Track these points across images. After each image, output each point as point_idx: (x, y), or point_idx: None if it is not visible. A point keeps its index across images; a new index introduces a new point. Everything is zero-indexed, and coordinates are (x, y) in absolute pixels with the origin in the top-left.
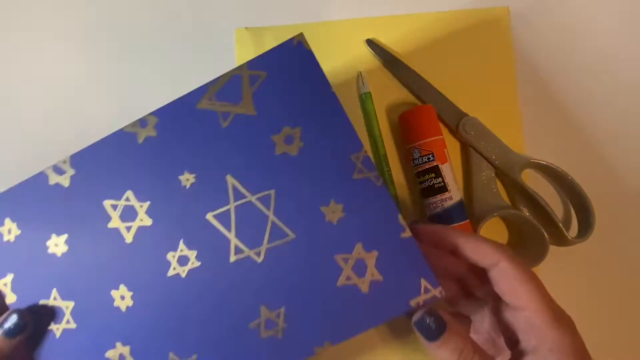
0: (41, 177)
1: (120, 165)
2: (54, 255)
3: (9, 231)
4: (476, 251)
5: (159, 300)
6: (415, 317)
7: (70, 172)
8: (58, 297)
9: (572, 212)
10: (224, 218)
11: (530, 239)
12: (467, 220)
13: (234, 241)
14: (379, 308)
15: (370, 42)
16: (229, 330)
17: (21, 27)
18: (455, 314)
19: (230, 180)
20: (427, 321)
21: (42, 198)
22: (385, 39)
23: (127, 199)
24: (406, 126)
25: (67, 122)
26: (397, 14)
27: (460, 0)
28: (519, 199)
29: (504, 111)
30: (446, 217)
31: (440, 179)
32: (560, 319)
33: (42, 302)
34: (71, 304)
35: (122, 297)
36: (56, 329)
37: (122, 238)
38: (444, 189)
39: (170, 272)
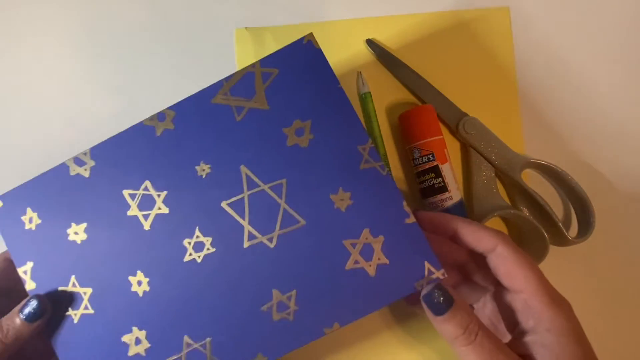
0: (62, 168)
1: (139, 157)
2: (73, 243)
3: (30, 220)
4: (474, 236)
5: (174, 285)
6: (424, 292)
7: (91, 163)
8: (76, 283)
9: (572, 212)
10: (238, 206)
11: (530, 239)
12: None
13: (247, 228)
14: (385, 290)
15: (370, 42)
16: (242, 313)
17: (21, 27)
18: None
19: (244, 170)
20: (436, 295)
21: (62, 188)
22: (386, 39)
23: (146, 189)
24: (406, 126)
25: (67, 122)
26: (397, 14)
27: (460, 0)
28: (519, 199)
29: (504, 111)
30: None
31: (440, 179)
32: (557, 301)
33: (61, 288)
34: (89, 290)
35: (139, 283)
36: (74, 314)
37: (140, 225)
38: (444, 189)
39: (186, 258)
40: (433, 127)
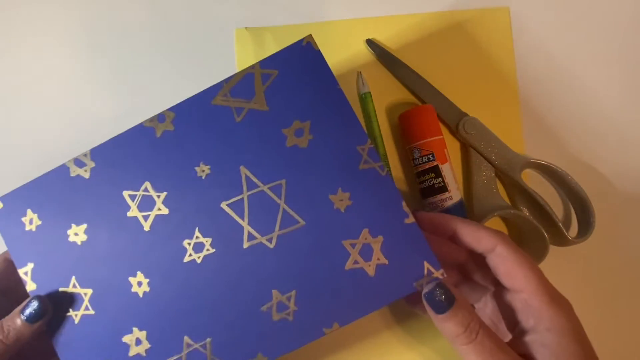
0: (62, 169)
1: (139, 158)
2: (73, 244)
3: (31, 221)
4: (473, 236)
5: (174, 286)
6: (426, 290)
7: (91, 164)
8: (77, 284)
9: (572, 212)
10: (237, 207)
11: (530, 239)
12: None
13: (247, 228)
14: (384, 290)
15: (370, 42)
16: (242, 313)
17: (21, 27)
18: None
19: (244, 171)
20: (437, 294)
21: (63, 189)
22: (386, 39)
23: (146, 190)
24: (406, 126)
25: (67, 122)
26: (397, 14)
27: (460, 0)
28: (519, 199)
29: (504, 111)
30: None
31: (440, 179)
32: (558, 300)
33: (61, 289)
34: (90, 291)
35: (140, 284)
36: (75, 315)
37: (140, 226)
38: (444, 189)
39: (186, 259)
40: (433, 127)
